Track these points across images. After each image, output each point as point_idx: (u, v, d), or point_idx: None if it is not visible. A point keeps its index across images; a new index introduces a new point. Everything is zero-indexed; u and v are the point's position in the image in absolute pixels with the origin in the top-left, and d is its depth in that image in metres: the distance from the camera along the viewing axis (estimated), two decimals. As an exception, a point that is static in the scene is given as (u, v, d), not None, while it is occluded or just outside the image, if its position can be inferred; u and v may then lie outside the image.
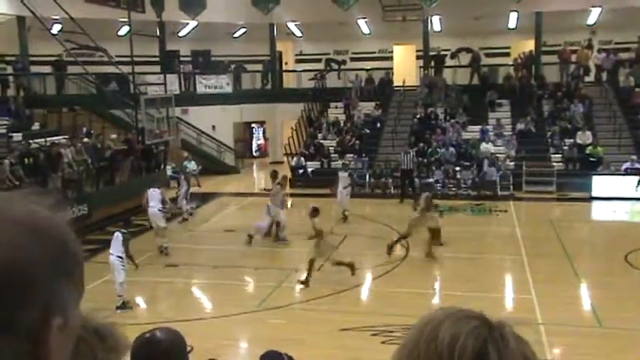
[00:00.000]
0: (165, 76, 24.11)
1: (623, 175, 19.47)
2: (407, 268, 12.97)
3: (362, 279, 12.53)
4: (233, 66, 29.60)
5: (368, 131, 24.75)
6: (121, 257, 10.53)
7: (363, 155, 23.20)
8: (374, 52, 30.68)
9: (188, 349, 2.07)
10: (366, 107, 25.97)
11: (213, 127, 26.70)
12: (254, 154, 32.89)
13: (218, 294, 11.96)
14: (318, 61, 31.28)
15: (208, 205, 20.91)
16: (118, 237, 10.66)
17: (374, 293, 11.99)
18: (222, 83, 27.82)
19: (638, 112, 22.61)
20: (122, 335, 1.12)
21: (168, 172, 23.52)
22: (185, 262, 14.19)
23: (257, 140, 33.36)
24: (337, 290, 11.49)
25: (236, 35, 29.88)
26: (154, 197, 14.26)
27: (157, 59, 26.52)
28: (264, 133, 32.40)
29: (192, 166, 25.61)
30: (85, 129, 21.92)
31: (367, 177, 21.87)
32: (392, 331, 9.21)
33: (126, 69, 22.58)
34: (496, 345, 0.90)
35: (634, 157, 20.45)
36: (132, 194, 19.29)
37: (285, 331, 9.52)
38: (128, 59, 21.67)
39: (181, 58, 29.85)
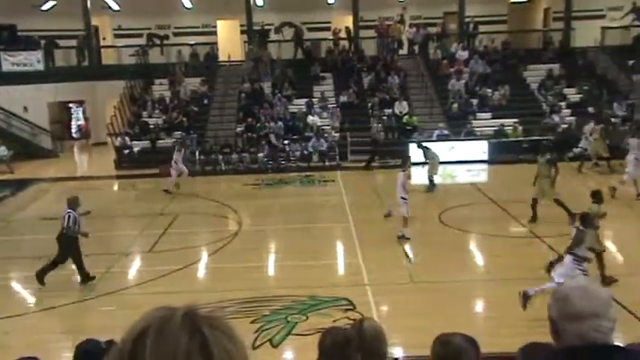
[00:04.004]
0: (-39, 54, 21.69)
1: (435, 141, 21.09)
2: (240, 244, 13.09)
3: (197, 257, 12.44)
4: (44, 42, 27.34)
5: (195, 108, 24.32)
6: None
7: (192, 132, 22.80)
8: (197, 27, 30.06)
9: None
10: (192, 83, 25.46)
11: (25, 108, 24.65)
12: (74, 135, 30.94)
13: (43, 286, 11.16)
14: (139, 36, 29.97)
15: (24, 193, 19.37)
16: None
17: (210, 270, 11.95)
18: (33, 60, 25.70)
19: (446, 83, 24.59)
20: None
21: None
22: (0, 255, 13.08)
23: (77, 121, 31.41)
24: (172, 270, 11.29)
25: (44, 8, 27.58)
26: None
27: (-49, 34, 23.73)
28: (84, 112, 30.55)
29: (1, 151, 23.50)
30: None
31: (197, 154, 21.55)
32: (229, 307, 9.28)
33: None
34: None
35: (442, 124, 22.27)
36: None
37: (115, 319, 9.15)
38: None
39: (-19, 34, 26.99)
